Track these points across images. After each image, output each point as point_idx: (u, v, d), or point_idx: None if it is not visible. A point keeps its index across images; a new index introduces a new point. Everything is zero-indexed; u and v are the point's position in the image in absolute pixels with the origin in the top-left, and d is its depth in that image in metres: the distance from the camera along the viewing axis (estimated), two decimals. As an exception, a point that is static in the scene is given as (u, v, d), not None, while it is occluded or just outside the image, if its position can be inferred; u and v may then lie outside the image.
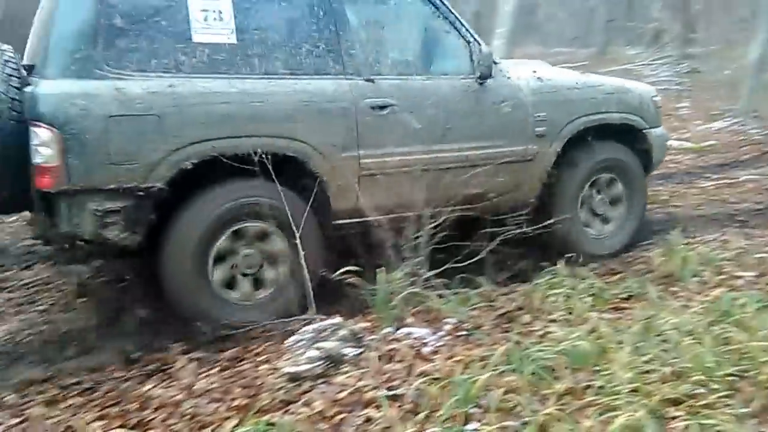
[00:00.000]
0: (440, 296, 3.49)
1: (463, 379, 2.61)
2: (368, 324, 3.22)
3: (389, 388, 2.63)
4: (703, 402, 2.46)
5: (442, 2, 3.91)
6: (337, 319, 3.05)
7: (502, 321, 3.43)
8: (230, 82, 3.27)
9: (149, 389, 2.87)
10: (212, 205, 3.25)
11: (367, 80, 3.61)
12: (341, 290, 3.50)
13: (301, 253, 3.33)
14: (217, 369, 2.99)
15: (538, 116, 4.09)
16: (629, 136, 4.50)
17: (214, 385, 2.82)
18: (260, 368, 2.93)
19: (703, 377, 2.59)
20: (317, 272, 3.45)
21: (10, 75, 3.09)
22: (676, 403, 2.48)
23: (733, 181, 6.80)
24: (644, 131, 4.54)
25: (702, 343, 2.87)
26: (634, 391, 2.53)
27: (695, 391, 2.52)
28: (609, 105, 4.37)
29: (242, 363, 3.04)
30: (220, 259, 3.36)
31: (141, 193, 3.07)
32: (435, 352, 2.99)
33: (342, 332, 2.92)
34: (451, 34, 3.92)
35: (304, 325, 3.06)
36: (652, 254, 4.33)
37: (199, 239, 3.24)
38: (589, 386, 2.62)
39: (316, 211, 3.49)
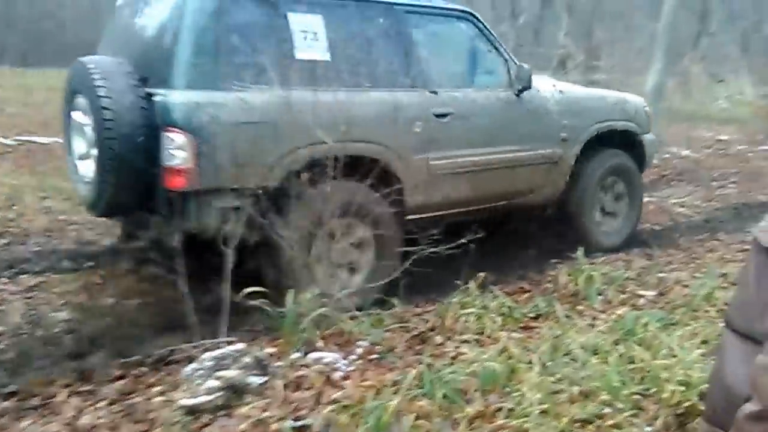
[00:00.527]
0: (353, 318, 3.40)
1: (374, 405, 2.51)
2: (275, 349, 3.07)
3: (296, 419, 2.50)
4: (611, 422, 2.49)
5: (485, 26, 4.52)
6: (240, 345, 2.88)
7: (414, 342, 3.37)
8: (327, 93, 3.56)
9: (27, 426, 2.60)
10: (318, 204, 3.57)
11: (432, 92, 4.11)
12: (249, 312, 3.35)
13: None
14: (104, 402, 2.74)
15: (563, 123, 4.70)
16: (628, 140, 5.13)
17: (100, 421, 2.58)
18: (154, 401, 2.70)
19: (609, 397, 2.62)
20: (396, 262, 3.82)
21: (135, 86, 3.32)
22: (584, 423, 2.49)
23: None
24: (640, 136, 5.20)
25: (608, 363, 2.91)
26: (544, 412, 2.52)
27: (603, 411, 2.54)
28: (614, 113, 5.05)
29: (133, 396, 2.80)
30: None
31: (259, 193, 3.34)
32: (346, 378, 2.88)
33: (245, 359, 2.75)
34: (493, 53, 4.53)
35: (204, 352, 2.87)
36: (559, 273, 4.39)
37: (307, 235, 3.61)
38: (499, 409, 2.59)
39: (393, 207, 3.88)
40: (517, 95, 4.47)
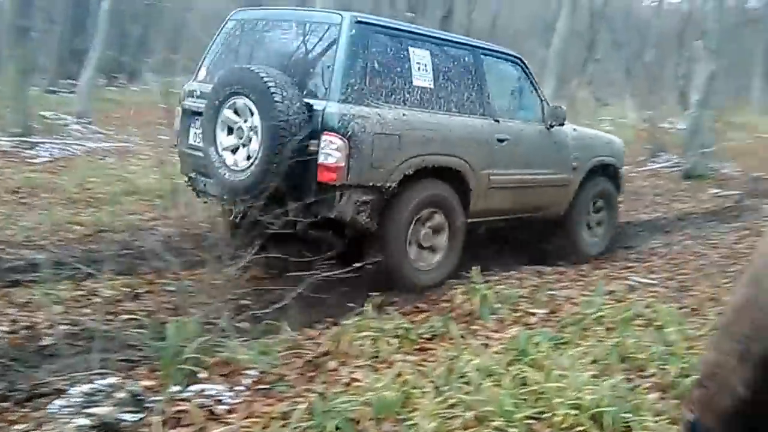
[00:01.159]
0: (241, 345, 3.22)
1: (260, 441, 2.36)
2: (152, 382, 2.83)
3: (174, 459, 2.31)
4: (504, 448, 2.45)
5: (530, 71, 5.57)
6: (114, 379, 2.64)
7: (307, 369, 3.22)
8: (431, 114, 4.55)
9: None
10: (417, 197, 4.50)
11: (495, 120, 5.03)
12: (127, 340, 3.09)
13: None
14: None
15: (574, 155, 5.73)
16: (611, 171, 6.18)
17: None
18: (15, 442, 2.43)
19: (503, 421, 2.59)
20: (460, 251, 4.86)
21: (300, 95, 4.00)
22: (478, 450, 2.45)
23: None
24: (619, 168, 6.29)
25: (501, 385, 2.89)
26: (438, 440, 2.45)
27: (496, 437, 2.51)
28: (605, 150, 6.20)
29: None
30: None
31: (383, 190, 4.23)
32: (231, 411, 2.70)
33: (119, 394, 2.52)
34: (533, 92, 5.56)
35: (73, 386, 2.60)
36: (455, 292, 4.39)
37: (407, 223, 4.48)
38: (393, 438, 2.50)
39: (463, 208, 4.82)
40: (548, 129, 5.48)
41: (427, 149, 4.45)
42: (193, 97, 4.71)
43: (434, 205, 4.63)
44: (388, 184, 4.24)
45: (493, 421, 2.60)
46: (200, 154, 4.38)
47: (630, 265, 5.87)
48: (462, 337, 3.62)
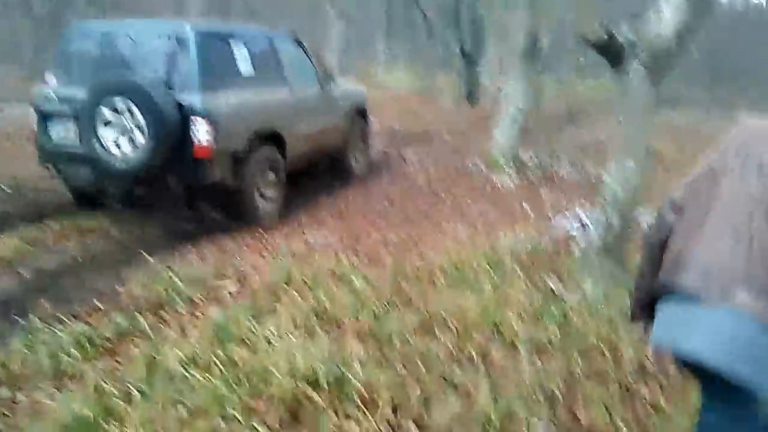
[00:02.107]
0: None
1: None
2: None
3: None
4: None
5: (305, 47, 6.88)
6: None
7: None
8: (255, 94, 5.76)
9: None
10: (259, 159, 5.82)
11: (291, 89, 6.33)
12: None
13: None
14: None
15: (341, 105, 7.40)
16: (363, 113, 8.08)
17: None
18: None
19: (221, 408, 2.46)
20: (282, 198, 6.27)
21: (169, 92, 5.01)
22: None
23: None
24: (366, 110, 8.24)
25: (211, 372, 2.74)
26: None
27: (220, 426, 2.37)
28: (359, 98, 8.07)
29: None
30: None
31: (237, 156, 5.35)
32: None
33: None
34: (310, 63, 6.91)
35: None
36: (133, 283, 4.02)
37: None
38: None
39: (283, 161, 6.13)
40: (322, 89, 6.95)
41: (260, 121, 5.69)
42: (49, 101, 5.41)
43: (269, 163, 5.85)
44: (241, 150, 5.36)
45: (211, 410, 2.45)
46: (70, 148, 5.35)
47: (305, 223, 6.07)
48: (154, 330, 3.34)
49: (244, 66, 5.64)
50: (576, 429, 2.58)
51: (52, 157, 5.55)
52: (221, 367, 2.79)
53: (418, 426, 2.52)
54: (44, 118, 5.45)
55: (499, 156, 8.41)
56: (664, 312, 1.78)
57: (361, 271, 4.17)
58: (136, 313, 3.54)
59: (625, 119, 3.73)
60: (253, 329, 3.17)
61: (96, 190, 5.71)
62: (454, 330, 3.30)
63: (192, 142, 4.96)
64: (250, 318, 3.35)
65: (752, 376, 1.57)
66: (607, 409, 2.62)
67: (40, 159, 5.62)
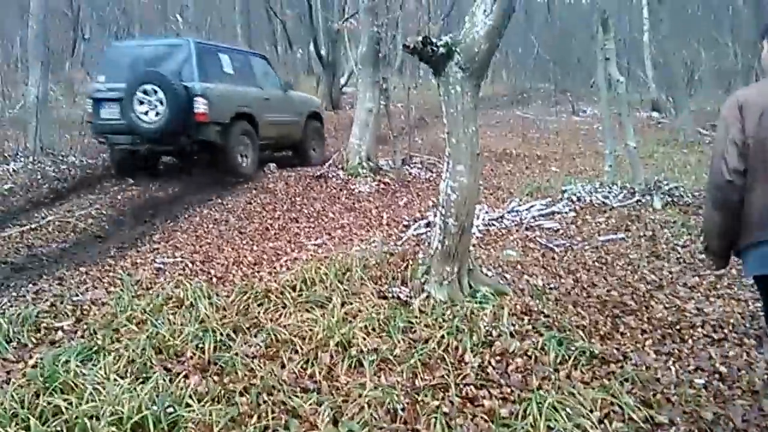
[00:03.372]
0: None
1: None
2: None
3: None
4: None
5: (270, 62, 10.50)
6: None
7: None
8: (235, 87, 8.89)
9: None
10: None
11: (261, 88, 9.44)
12: None
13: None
14: None
15: (300, 106, 10.35)
16: (318, 117, 11.01)
17: None
18: None
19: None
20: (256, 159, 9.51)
21: (180, 81, 8.18)
22: None
23: (37, 225, 6.47)
24: (321, 114, 11.48)
25: (30, 424, 2.52)
26: None
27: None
28: (314, 104, 11.25)
29: None
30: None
31: (224, 124, 8.33)
32: None
33: None
34: (274, 72, 10.28)
35: None
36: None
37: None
38: None
39: (256, 135, 9.28)
40: (285, 92, 9.88)
41: (238, 104, 8.59)
42: (99, 91, 8.46)
43: (245, 133, 8.73)
44: (226, 121, 8.27)
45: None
46: (114, 122, 8.17)
47: (155, 246, 5.82)
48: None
49: (228, 69, 8.73)
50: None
51: (103, 129, 8.43)
52: (43, 418, 2.57)
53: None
54: (97, 103, 8.46)
55: (356, 161, 8.49)
56: (761, 252, 2.27)
57: (208, 295, 4.03)
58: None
59: (450, 124, 3.84)
60: (82, 372, 2.95)
61: (131, 160, 8.71)
62: (301, 352, 3.25)
63: (194, 112, 7.91)
64: (81, 359, 3.13)
65: None
66: (447, 423, 2.64)
67: (94, 133, 8.88)
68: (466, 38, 3.65)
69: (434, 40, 3.62)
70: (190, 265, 5.12)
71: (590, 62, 16.63)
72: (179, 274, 4.72)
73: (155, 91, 7.76)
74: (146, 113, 7.81)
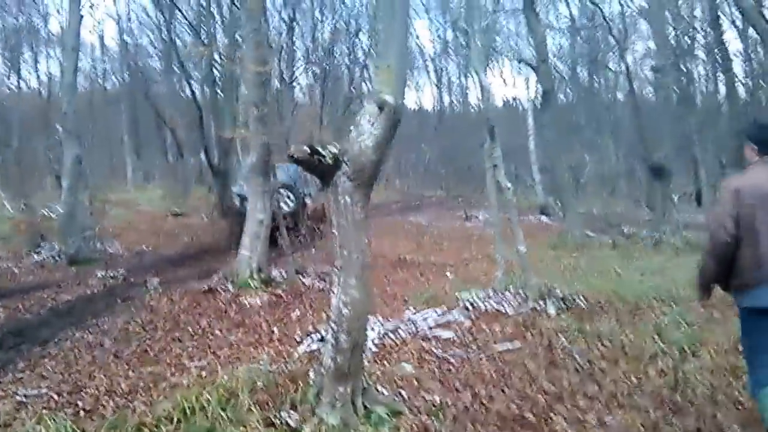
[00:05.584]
0: None
1: None
2: None
3: None
4: None
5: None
6: None
7: None
8: None
9: None
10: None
11: None
12: None
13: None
14: None
15: None
16: None
17: None
18: None
19: None
20: None
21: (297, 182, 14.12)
22: None
23: None
24: None
25: None
26: None
27: None
28: None
29: None
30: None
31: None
32: None
33: None
34: None
35: None
36: None
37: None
38: None
39: None
40: None
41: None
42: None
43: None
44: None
45: None
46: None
47: (19, 376, 5.21)
48: None
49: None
50: None
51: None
52: None
53: None
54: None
55: (246, 273, 8.17)
56: (761, 290, 3.09)
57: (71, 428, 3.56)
58: None
59: (341, 235, 3.69)
60: None
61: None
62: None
63: (306, 204, 13.28)
64: None
65: None
66: None
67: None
68: (352, 147, 3.59)
69: (320, 150, 3.51)
70: (56, 396, 4.59)
71: (480, 169, 17.44)
72: (43, 408, 4.21)
73: (286, 192, 12.72)
74: (285, 202, 12.41)
